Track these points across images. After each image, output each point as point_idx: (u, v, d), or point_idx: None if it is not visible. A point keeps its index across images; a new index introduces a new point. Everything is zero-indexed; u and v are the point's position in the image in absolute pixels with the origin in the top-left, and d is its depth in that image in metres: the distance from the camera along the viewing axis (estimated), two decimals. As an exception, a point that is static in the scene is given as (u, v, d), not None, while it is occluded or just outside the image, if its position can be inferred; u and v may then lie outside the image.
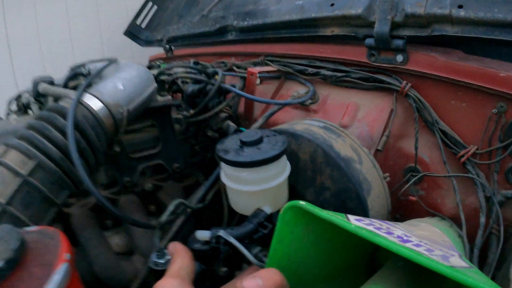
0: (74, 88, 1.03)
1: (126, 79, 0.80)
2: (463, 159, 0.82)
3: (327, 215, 0.50)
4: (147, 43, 2.24)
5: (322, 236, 0.60)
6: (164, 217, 0.71)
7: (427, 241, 0.54)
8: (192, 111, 1.09)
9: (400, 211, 0.93)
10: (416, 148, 0.87)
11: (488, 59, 0.82)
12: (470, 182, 0.82)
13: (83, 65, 1.01)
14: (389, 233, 0.52)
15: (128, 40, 3.07)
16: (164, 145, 1.03)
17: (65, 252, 0.43)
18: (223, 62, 1.39)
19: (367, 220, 0.53)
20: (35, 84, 1.13)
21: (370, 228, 0.49)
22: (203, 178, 1.12)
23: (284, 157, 0.68)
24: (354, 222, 0.50)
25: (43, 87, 1.01)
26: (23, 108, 1.30)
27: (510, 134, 0.78)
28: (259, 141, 0.65)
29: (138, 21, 2.31)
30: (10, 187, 0.60)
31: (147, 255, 0.84)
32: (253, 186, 0.64)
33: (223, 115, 1.16)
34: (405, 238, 0.51)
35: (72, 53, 3.10)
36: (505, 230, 0.75)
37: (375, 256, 0.72)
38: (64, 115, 0.71)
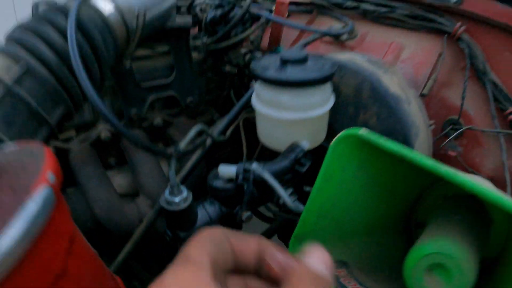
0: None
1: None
2: (510, 117, 0.75)
3: (398, 147, 0.42)
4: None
5: (375, 179, 0.53)
6: (183, 144, 0.63)
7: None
8: (207, 41, 0.99)
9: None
10: (463, 98, 0.79)
11: None
12: None
13: None
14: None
15: None
16: (178, 74, 0.94)
17: (48, 172, 0.31)
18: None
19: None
20: (35, 6, 1.02)
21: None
22: (218, 117, 1.03)
23: (330, 84, 0.59)
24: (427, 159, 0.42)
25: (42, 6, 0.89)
26: None
27: None
28: (304, 60, 0.56)
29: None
30: None
31: (154, 198, 0.75)
32: (294, 113, 0.56)
33: (243, 50, 1.06)
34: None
35: None
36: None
37: (411, 216, 0.65)
38: (66, 14, 0.60)
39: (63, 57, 0.57)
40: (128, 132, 0.62)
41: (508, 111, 0.76)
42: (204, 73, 1.02)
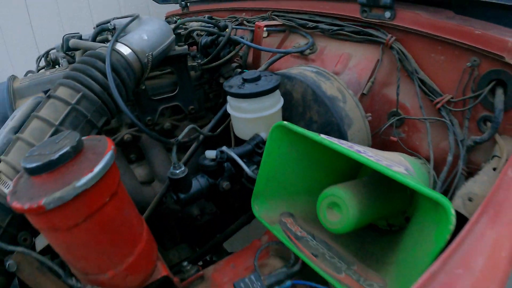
0: (102, 41, 1.21)
1: (149, 31, 0.98)
2: (438, 106, 0.97)
3: (301, 130, 0.68)
4: (164, 0, 2.38)
5: (304, 154, 0.79)
6: (180, 136, 0.90)
7: (382, 157, 0.72)
8: (202, 61, 1.27)
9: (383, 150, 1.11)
10: (397, 94, 1.03)
11: (473, 19, 0.95)
12: (445, 127, 0.97)
13: (108, 22, 1.19)
14: (350, 147, 0.70)
15: (143, 0, 3.18)
16: (181, 89, 1.22)
17: (111, 145, 0.61)
18: (234, 17, 1.54)
19: (336, 139, 0.71)
20: (66, 40, 1.32)
21: (334, 141, 0.67)
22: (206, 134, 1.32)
23: (278, 92, 0.86)
24: (322, 136, 0.68)
25: (73, 42, 1.19)
26: (52, 63, 1.50)
27: (482, 85, 0.92)
28: (257, 79, 0.84)
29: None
30: (62, 113, 0.80)
31: (165, 181, 1.04)
32: (251, 114, 0.83)
33: (234, 64, 1.34)
34: (362, 151, 0.69)
35: (90, 13, 3.21)
36: (472, 173, 0.90)
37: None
38: (102, 59, 0.90)
39: (104, 86, 0.88)
40: (146, 130, 0.92)
41: (435, 101, 0.99)
42: (201, 86, 1.30)
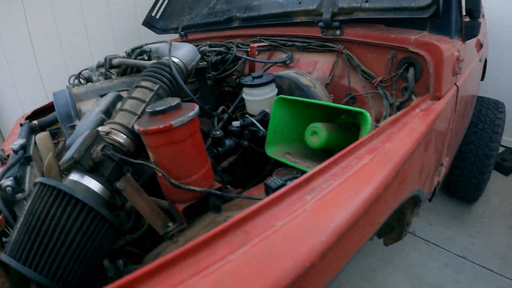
0: (142, 60, 1.83)
1: (187, 50, 1.62)
2: (375, 84, 1.64)
3: (293, 97, 1.33)
4: (163, 31, 3.03)
5: (294, 114, 1.43)
6: (219, 110, 1.54)
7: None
8: (215, 73, 1.92)
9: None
10: (349, 82, 1.70)
11: (395, 28, 1.62)
12: (381, 97, 1.63)
13: (141, 47, 1.81)
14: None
15: (138, 30, 3.79)
16: (201, 93, 1.86)
17: (196, 106, 1.18)
18: (231, 42, 2.21)
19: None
20: (109, 59, 1.93)
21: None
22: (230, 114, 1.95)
23: (273, 84, 1.51)
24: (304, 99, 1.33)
25: (119, 60, 1.81)
26: (85, 80, 2.10)
27: (400, 67, 1.57)
28: (261, 76, 1.49)
29: (153, 13, 3.09)
30: (148, 96, 1.38)
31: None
32: (260, 97, 1.47)
33: (234, 77, 1.99)
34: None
35: (88, 43, 3.81)
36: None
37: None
38: (166, 65, 1.50)
39: (170, 80, 1.46)
40: (196, 100, 1.53)
41: (373, 82, 1.65)
42: (214, 92, 1.94)
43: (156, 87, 1.40)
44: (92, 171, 1.13)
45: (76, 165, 1.10)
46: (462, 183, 2.83)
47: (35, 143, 1.84)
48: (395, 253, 2.63)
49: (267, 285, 0.63)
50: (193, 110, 1.12)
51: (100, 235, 1.02)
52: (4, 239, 1.25)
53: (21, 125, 1.96)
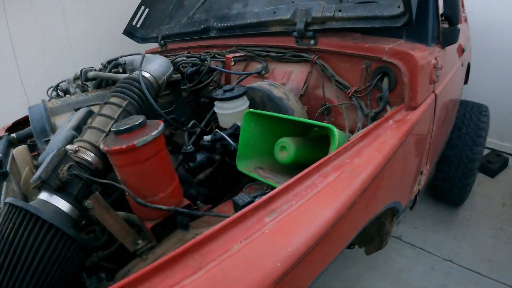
0: (117, 72, 1.82)
1: (159, 64, 1.61)
2: (349, 94, 1.64)
3: (263, 112, 1.33)
4: (143, 40, 3.02)
5: (264, 128, 1.44)
6: (190, 125, 1.53)
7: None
8: (190, 84, 1.92)
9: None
10: (323, 92, 1.70)
11: (370, 37, 1.63)
12: (356, 108, 1.63)
13: (117, 59, 1.81)
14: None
15: (120, 38, 3.77)
16: (176, 105, 1.85)
17: (161, 123, 1.19)
18: (208, 52, 2.21)
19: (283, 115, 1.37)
20: (85, 72, 1.92)
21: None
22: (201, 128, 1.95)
23: (245, 97, 1.51)
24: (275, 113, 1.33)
25: (94, 73, 1.80)
26: (63, 93, 2.09)
27: (374, 77, 1.58)
28: (232, 89, 1.49)
29: (134, 22, 3.08)
30: (117, 112, 1.38)
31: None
32: (231, 111, 1.47)
33: (210, 87, 1.99)
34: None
35: (71, 52, 3.78)
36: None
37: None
38: (136, 80, 1.49)
39: (140, 96, 1.45)
40: (164, 115, 1.52)
41: (347, 92, 1.65)
42: (190, 103, 1.94)
43: (124, 103, 1.40)
44: (60, 190, 1.14)
45: (44, 184, 1.11)
46: (447, 187, 2.86)
47: (13, 157, 1.83)
48: (381, 259, 2.64)
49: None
50: (157, 128, 1.12)
51: (68, 254, 1.04)
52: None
53: None
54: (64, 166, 1.14)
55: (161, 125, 1.15)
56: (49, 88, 2.32)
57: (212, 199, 1.84)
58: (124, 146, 1.07)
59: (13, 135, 1.95)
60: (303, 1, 1.81)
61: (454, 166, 2.73)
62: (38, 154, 2.01)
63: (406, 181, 1.63)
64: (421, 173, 1.84)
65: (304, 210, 0.89)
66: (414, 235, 2.84)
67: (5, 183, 1.54)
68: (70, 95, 2.02)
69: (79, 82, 2.04)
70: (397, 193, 1.49)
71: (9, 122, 2.35)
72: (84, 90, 1.94)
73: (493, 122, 3.25)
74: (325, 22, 1.67)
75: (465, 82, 3.28)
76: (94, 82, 1.94)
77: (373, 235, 1.73)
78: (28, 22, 3.50)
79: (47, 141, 1.60)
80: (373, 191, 1.16)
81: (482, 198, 3.19)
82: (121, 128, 1.11)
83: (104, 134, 1.31)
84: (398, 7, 1.43)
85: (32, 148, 1.99)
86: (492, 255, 2.57)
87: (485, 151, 3.51)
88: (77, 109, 1.63)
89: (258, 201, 0.89)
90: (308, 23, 1.71)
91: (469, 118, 2.80)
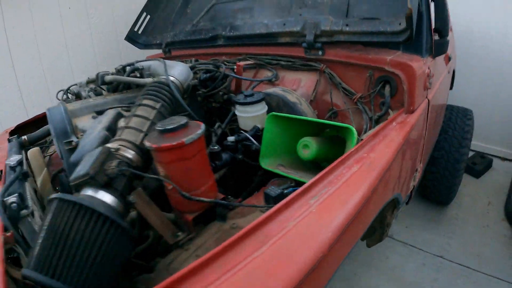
0: (134, 77, 1.93)
1: (181, 69, 1.76)
2: (355, 100, 1.83)
3: (284, 114, 1.50)
4: (145, 46, 3.14)
5: (285, 129, 1.60)
6: (216, 125, 1.69)
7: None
8: (205, 90, 2.07)
9: (327, 134, 1.95)
10: (331, 98, 1.89)
11: (372, 49, 1.82)
12: (361, 112, 1.82)
13: (132, 64, 1.92)
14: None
15: (117, 43, 3.84)
16: (192, 107, 1.99)
17: (202, 124, 1.31)
18: (216, 60, 2.36)
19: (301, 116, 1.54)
20: (101, 76, 2.02)
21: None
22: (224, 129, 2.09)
23: (263, 102, 1.68)
24: (293, 115, 1.50)
25: (112, 77, 1.91)
26: (74, 96, 2.17)
27: (377, 85, 1.77)
28: (252, 95, 1.65)
29: (135, 28, 3.19)
30: (151, 113, 1.50)
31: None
32: (251, 114, 1.64)
33: (221, 93, 2.14)
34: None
35: (68, 57, 3.82)
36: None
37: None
38: (165, 84, 1.63)
39: (170, 98, 1.59)
40: (197, 117, 1.65)
41: (353, 98, 1.84)
42: (203, 106, 2.09)
43: (158, 105, 1.53)
44: (105, 186, 1.22)
45: (91, 180, 1.18)
46: (435, 187, 3.07)
47: (27, 158, 1.90)
48: (376, 257, 2.82)
49: (290, 275, 0.79)
50: (200, 128, 1.27)
51: (120, 246, 1.12)
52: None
53: (9, 140, 2.01)
54: (111, 163, 1.24)
55: (203, 125, 1.29)
56: (59, 91, 2.38)
57: (233, 196, 1.98)
58: (174, 143, 1.20)
59: (25, 137, 2.02)
60: (309, 14, 2.00)
61: (441, 167, 2.95)
62: (47, 157, 2.09)
63: (405, 175, 1.82)
64: (416, 170, 2.04)
65: (339, 194, 1.07)
66: (405, 234, 3.04)
67: (27, 184, 1.61)
68: (81, 98, 2.09)
69: (92, 85, 2.13)
70: (399, 186, 1.68)
71: (6, 126, 2.37)
72: (98, 93, 2.01)
73: (477, 125, 3.52)
74: (333, 35, 1.85)
75: (451, 87, 3.53)
76: (108, 86, 2.01)
77: (375, 227, 1.91)
78: (26, 27, 3.53)
79: (68, 143, 1.67)
80: (386, 181, 1.35)
81: (468, 198, 3.44)
82: (168, 127, 1.24)
83: (142, 134, 1.43)
84: (400, 24, 1.63)
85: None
86: (481, 250, 2.78)
87: (470, 153, 3.75)
88: (97, 112, 1.71)
89: (300, 188, 1.05)
90: (317, 35, 1.89)
91: (455, 122, 3.03)
